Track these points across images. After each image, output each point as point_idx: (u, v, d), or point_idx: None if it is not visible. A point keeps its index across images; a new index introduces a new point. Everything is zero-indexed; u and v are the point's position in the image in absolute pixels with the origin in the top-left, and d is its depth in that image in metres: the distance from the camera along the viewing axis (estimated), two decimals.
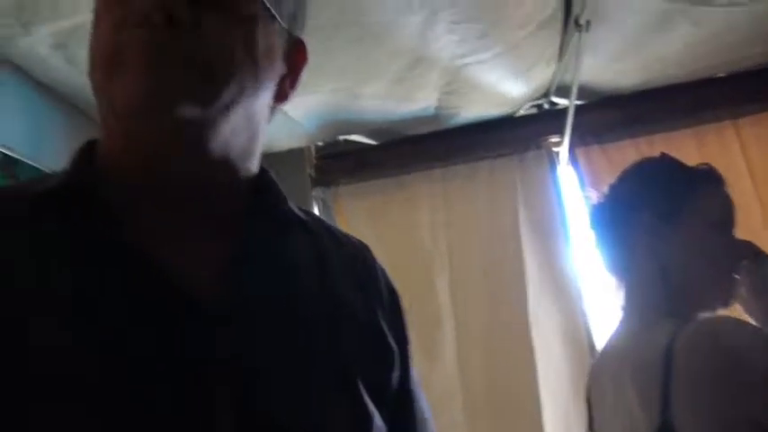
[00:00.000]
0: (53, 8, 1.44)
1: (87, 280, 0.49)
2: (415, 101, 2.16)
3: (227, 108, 0.53)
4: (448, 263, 2.37)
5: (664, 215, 1.10)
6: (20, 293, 0.48)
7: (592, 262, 2.31)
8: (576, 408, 2.10)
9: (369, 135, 2.47)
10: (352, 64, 1.83)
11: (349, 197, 2.47)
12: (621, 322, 1.17)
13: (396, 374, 0.62)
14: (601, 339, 2.23)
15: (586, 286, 2.28)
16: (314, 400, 0.53)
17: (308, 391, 0.53)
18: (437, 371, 2.30)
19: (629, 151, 2.27)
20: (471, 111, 2.30)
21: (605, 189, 1.23)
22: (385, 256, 2.64)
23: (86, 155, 0.56)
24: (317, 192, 2.47)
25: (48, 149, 1.72)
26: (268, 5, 0.56)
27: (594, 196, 1.25)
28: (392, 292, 0.68)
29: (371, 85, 2.01)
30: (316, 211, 2.46)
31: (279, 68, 0.60)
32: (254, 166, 0.60)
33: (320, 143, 2.49)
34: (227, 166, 0.57)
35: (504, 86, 2.15)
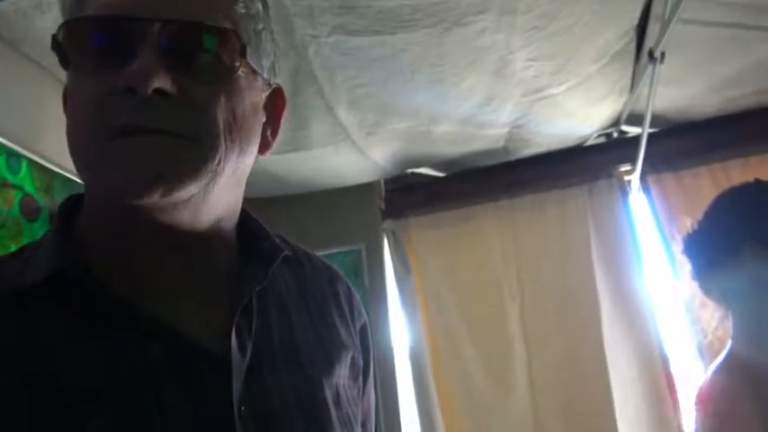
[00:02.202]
0: None
1: (108, 353, 0.50)
2: (486, 136, 2.19)
3: (216, 176, 0.52)
4: (519, 292, 2.37)
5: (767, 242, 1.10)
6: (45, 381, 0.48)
7: (665, 288, 2.30)
8: None
9: (437, 167, 2.51)
10: (428, 103, 1.87)
11: (418, 229, 2.50)
12: (733, 349, 1.16)
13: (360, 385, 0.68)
14: (677, 365, 2.19)
15: (660, 313, 2.25)
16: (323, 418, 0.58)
17: (317, 411, 0.58)
18: (510, 399, 2.31)
19: (704, 178, 2.24)
20: (540, 143, 2.31)
21: (700, 217, 1.22)
22: (455, 286, 2.64)
23: (67, 232, 0.55)
24: (387, 224, 2.50)
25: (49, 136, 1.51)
26: (251, 64, 0.55)
27: (688, 224, 1.24)
28: (361, 312, 0.72)
29: (444, 123, 2.05)
30: (386, 242, 2.51)
31: (262, 121, 0.59)
32: (237, 214, 0.61)
33: (389, 176, 2.54)
34: (216, 226, 0.57)
35: (575, 118, 2.16)
